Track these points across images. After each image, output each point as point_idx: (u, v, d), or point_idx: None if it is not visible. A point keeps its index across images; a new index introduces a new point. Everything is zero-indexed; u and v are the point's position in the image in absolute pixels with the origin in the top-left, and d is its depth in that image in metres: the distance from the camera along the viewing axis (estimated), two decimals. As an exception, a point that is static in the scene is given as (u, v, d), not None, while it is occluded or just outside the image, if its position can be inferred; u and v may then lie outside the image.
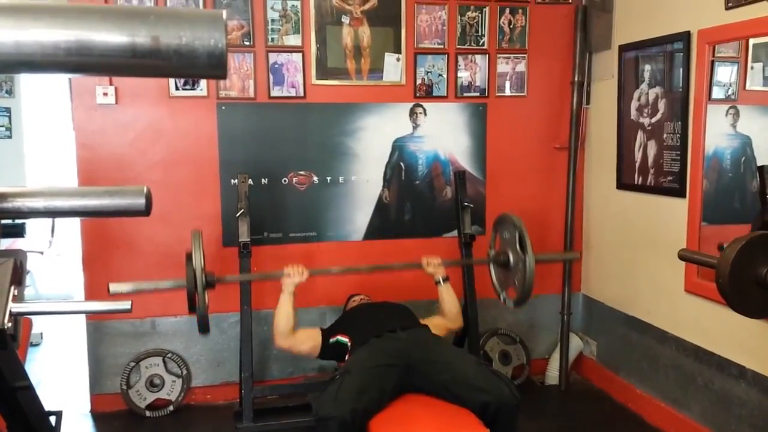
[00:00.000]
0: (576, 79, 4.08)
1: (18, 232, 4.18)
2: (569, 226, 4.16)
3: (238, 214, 3.44)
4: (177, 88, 3.71)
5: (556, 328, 4.24)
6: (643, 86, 3.65)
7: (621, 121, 3.85)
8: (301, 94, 3.82)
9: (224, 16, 0.89)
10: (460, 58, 4.00)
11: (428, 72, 3.97)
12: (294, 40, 3.78)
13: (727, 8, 3.00)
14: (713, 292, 2.02)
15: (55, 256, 6.03)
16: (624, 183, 3.86)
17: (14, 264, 1.61)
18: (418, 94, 3.97)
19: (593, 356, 4.26)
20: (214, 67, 0.88)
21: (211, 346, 3.91)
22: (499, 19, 4.02)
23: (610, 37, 3.94)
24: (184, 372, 3.85)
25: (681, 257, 2.24)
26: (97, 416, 3.82)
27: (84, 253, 3.76)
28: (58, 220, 5.56)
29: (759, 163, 3.16)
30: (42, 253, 5.55)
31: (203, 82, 3.73)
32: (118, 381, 3.77)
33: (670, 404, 3.54)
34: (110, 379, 3.82)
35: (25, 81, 5.97)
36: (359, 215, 3.99)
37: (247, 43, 3.73)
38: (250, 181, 3.67)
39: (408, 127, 3.99)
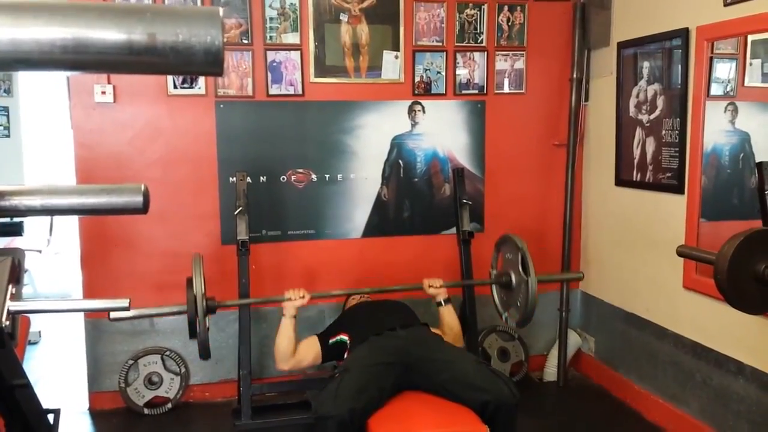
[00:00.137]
0: (574, 76, 4.08)
1: (16, 230, 4.18)
2: (568, 223, 4.17)
3: (236, 212, 3.44)
4: (175, 87, 3.70)
5: (555, 325, 4.25)
6: (642, 83, 3.65)
7: (620, 118, 3.85)
8: (300, 92, 3.82)
9: (221, 13, 0.89)
10: (458, 56, 4.00)
11: (427, 69, 3.96)
12: (292, 38, 3.78)
13: (726, 5, 3.00)
14: (712, 288, 2.02)
15: (53, 255, 6.04)
16: (622, 180, 3.86)
17: (12, 262, 1.61)
18: (416, 92, 3.96)
19: (591, 353, 4.26)
20: (211, 64, 0.88)
21: (210, 343, 3.90)
22: (498, 17, 4.02)
23: (608, 34, 3.94)
24: (183, 370, 3.85)
25: (679, 254, 2.24)
26: (96, 414, 3.82)
27: (82, 252, 3.75)
28: (57, 219, 5.57)
29: (757, 160, 3.16)
30: (40, 251, 5.56)
31: (201, 81, 3.72)
32: (117, 379, 3.78)
33: (669, 400, 3.55)
34: (108, 377, 3.81)
35: (24, 80, 5.96)
36: (358, 213, 3.99)
37: (246, 42, 3.72)
38: (249, 179, 3.66)
39: (407, 125, 3.99)
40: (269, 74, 3.78)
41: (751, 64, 3.23)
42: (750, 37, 3.12)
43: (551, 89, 4.16)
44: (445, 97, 4.01)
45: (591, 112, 4.17)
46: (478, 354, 3.78)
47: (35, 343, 5.02)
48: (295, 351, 3.18)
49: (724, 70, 3.29)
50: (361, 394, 2.63)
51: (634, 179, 3.74)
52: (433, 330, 3.32)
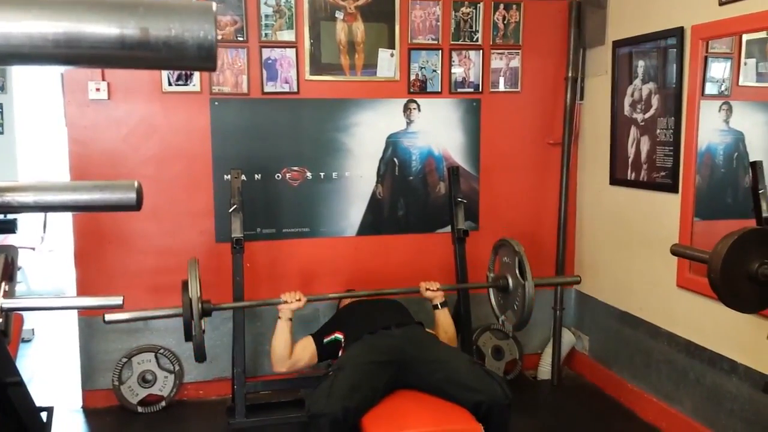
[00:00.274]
0: (570, 74, 4.08)
1: (9, 228, 4.16)
2: (562, 221, 4.17)
3: (231, 210, 3.44)
4: (170, 84, 3.69)
5: (549, 323, 4.25)
6: (637, 82, 3.66)
7: (614, 117, 3.85)
8: (295, 90, 3.81)
9: (214, 7, 0.88)
10: (454, 54, 3.99)
11: (422, 68, 3.96)
12: (287, 35, 3.77)
13: (721, 4, 3.00)
14: (705, 287, 2.03)
15: (47, 252, 6.01)
16: (617, 178, 3.87)
17: (5, 260, 1.61)
18: (412, 90, 3.96)
19: (585, 351, 4.27)
20: (204, 59, 0.87)
21: (205, 345, 3.89)
22: (493, 15, 4.02)
23: (603, 33, 3.94)
24: (177, 368, 3.84)
25: (673, 252, 2.25)
26: (89, 412, 3.81)
27: (76, 249, 3.74)
28: (50, 216, 5.55)
29: (751, 159, 3.16)
30: (34, 249, 5.55)
31: (196, 78, 3.71)
32: (110, 377, 3.77)
33: (662, 399, 3.56)
34: (102, 375, 3.80)
35: (18, 77, 5.94)
36: (353, 211, 3.98)
37: (241, 39, 3.72)
38: (243, 177, 3.65)
39: (402, 123, 3.98)
40: (264, 72, 3.77)
41: (745, 64, 3.24)
42: (745, 37, 3.13)
43: (546, 88, 4.16)
44: (441, 96, 4.01)
45: (586, 111, 4.18)
46: (472, 352, 3.78)
47: (28, 340, 5.01)
48: (291, 353, 3.17)
49: (718, 69, 3.29)
50: (355, 392, 2.63)
51: (629, 178, 3.75)
52: (428, 330, 3.32)
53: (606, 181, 3.95)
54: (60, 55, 0.85)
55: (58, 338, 4.99)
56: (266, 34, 3.75)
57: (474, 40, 4.01)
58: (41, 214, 5.35)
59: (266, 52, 3.76)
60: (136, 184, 1.46)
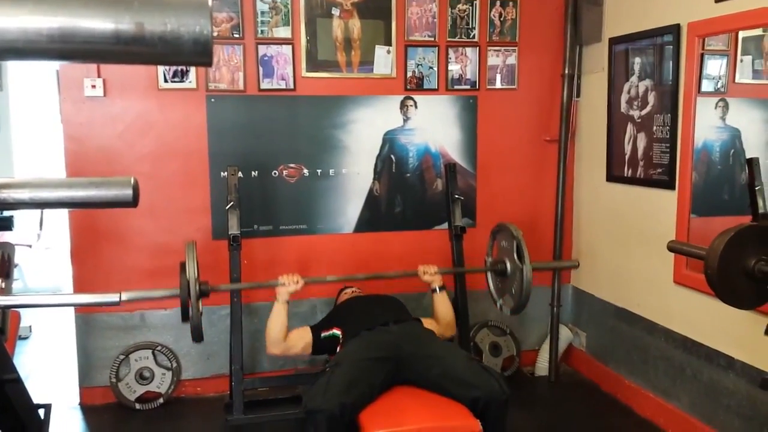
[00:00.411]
0: (566, 71, 4.08)
1: (6, 225, 4.16)
2: (559, 218, 4.17)
3: (227, 207, 3.44)
4: (166, 81, 3.68)
5: (546, 320, 4.26)
6: (633, 79, 3.66)
7: (611, 114, 3.85)
8: (291, 87, 3.81)
9: (210, 2, 0.88)
10: (450, 51, 3.99)
11: (419, 64, 3.96)
12: (284, 32, 3.77)
13: (717, 1, 3.00)
14: (702, 283, 2.03)
15: (43, 250, 6.01)
16: (614, 175, 3.87)
17: (2, 257, 1.61)
18: (408, 87, 3.96)
19: (583, 348, 4.28)
20: (199, 54, 0.87)
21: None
22: (490, 12, 4.01)
23: (600, 30, 3.94)
24: (174, 365, 3.84)
25: (670, 249, 2.26)
26: (87, 409, 3.81)
27: (72, 246, 3.73)
28: (47, 214, 5.54)
29: (748, 156, 3.17)
30: (30, 246, 5.54)
31: (192, 75, 3.70)
32: (108, 374, 3.76)
33: (660, 395, 3.57)
34: (99, 372, 3.80)
35: (13, 73, 5.92)
36: (350, 208, 3.98)
37: (237, 36, 3.71)
38: (240, 174, 3.65)
39: (399, 120, 3.98)
40: (260, 68, 3.76)
41: (741, 61, 3.24)
42: (741, 34, 3.13)
43: (543, 85, 4.16)
44: (437, 93, 4.01)
45: (582, 108, 4.18)
46: (469, 349, 3.79)
47: (26, 338, 5.00)
48: (286, 337, 3.19)
49: (715, 66, 3.30)
50: (352, 388, 2.63)
51: (626, 175, 3.75)
52: (426, 321, 3.33)
53: (603, 178, 3.96)
54: (54, 50, 0.85)
55: (56, 335, 4.99)
56: (262, 31, 3.74)
57: (470, 37, 4.01)
58: (37, 212, 5.34)
59: (262, 49, 3.75)
60: (132, 180, 1.46)
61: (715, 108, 3.29)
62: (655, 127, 3.49)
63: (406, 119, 3.99)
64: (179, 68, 3.66)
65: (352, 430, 2.62)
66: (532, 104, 4.17)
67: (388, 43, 3.90)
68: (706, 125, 3.25)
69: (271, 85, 3.79)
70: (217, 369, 3.91)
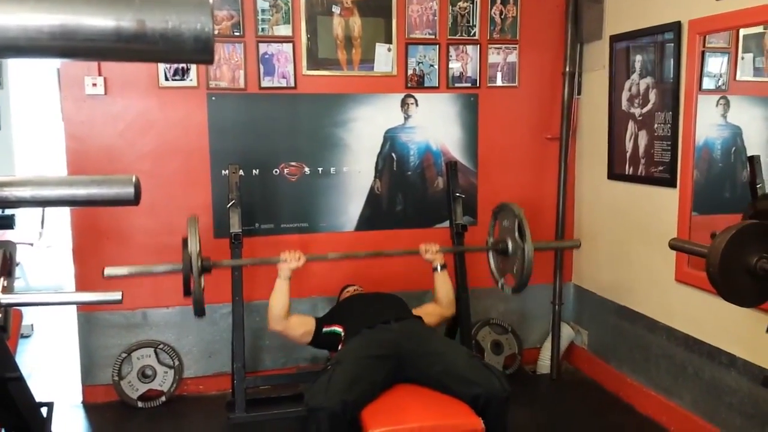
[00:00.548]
0: (567, 69, 4.08)
1: (8, 223, 4.16)
2: (561, 216, 4.17)
3: (229, 205, 3.44)
4: (167, 79, 3.68)
5: (548, 318, 4.26)
6: (634, 77, 3.66)
7: (612, 112, 3.85)
8: (292, 85, 3.81)
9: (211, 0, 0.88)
10: (451, 49, 3.99)
11: (419, 62, 3.96)
12: (284, 30, 3.76)
13: (718, -2, 3.00)
14: (704, 281, 2.03)
15: (45, 248, 6.01)
16: (615, 173, 3.87)
17: (3, 255, 1.61)
18: (409, 85, 3.96)
19: (584, 346, 4.28)
20: (200, 51, 0.87)
21: (203, 336, 3.91)
22: (491, 10, 4.01)
23: (601, 28, 3.94)
24: (176, 363, 3.84)
25: (672, 247, 2.25)
26: (89, 407, 3.82)
27: (74, 245, 3.74)
28: (48, 212, 5.54)
29: (749, 153, 3.17)
30: (32, 244, 5.54)
31: (193, 73, 3.70)
32: (110, 372, 3.77)
33: (661, 393, 3.56)
34: (102, 371, 3.81)
35: (14, 72, 5.92)
36: (351, 206, 3.98)
37: (237, 34, 3.71)
38: (241, 172, 3.65)
39: (399, 118, 3.98)
40: (261, 66, 3.76)
41: (742, 58, 3.24)
42: (742, 31, 3.13)
43: (544, 83, 4.16)
44: (438, 91, 4.00)
45: (583, 106, 4.18)
46: (471, 347, 3.79)
47: (28, 336, 5.01)
48: (288, 314, 3.22)
49: (716, 64, 3.29)
50: (353, 386, 2.63)
51: (627, 173, 3.75)
52: (426, 306, 3.40)
53: (604, 176, 3.95)
54: (56, 48, 0.85)
55: (58, 334, 5.00)
56: (263, 29, 3.74)
57: (471, 34, 4.01)
58: (39, 210, 5.34)
59: (263, 47, 3.75)
60: (134, 178, 1.46)
61: (716, 106, 3.29)
62: (656, 125, 3.48)
63: (406, 117, 3.99)
64: (180, 66, 3.66)
65: (354, 427, 2.63)
66: (533, 102, 4.16)
67: (389, 40, 3.89)
68: (708, 123, 3.25)
69: (272, 83, 3.78)
70: (219, 367, 3.92)
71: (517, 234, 3.12)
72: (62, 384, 4.06)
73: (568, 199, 4.23)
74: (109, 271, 2.77)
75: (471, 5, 3.97)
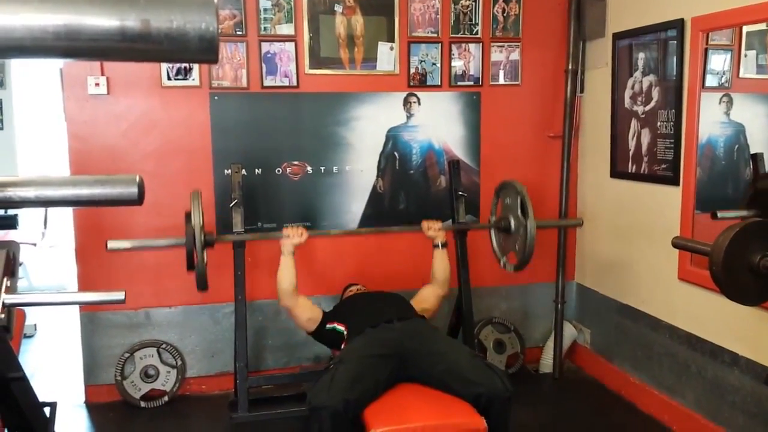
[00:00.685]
0: (570, 67, 4.07)
1: (11, 223, 4.17)
2: (563, 214, 4.16)
3: (231, 205, 3.44)
4: (169, 78, 3.68)
5: (550, 317, 4.25)
6: (637, 74, 3.65)
7: (615, 110, 3.84)
8: (295, 84, 3.81)
9: (215, -1, 0.88)
10: (453, 47, 3.98)
11: (422, 61, 3.95)
12: (287, 29, 3.76)
13: (721, -5, 3.00)
14: (707, 279, 2.03)
15: (48, 248, 6.02)
16: (618, 171, 3.86)
17: (7, 255, 1.61)
18: (411, 83, 3.95)
19: (587, 344, 4.27)
20: (205, 51, 0.87)
21: (206, 336, 3.91)
22: (493, 8, 4.00)
23: (603, 25, 3.93)
24: (179, 362, 3.84)
25: (675, 245, 2.25)
26: (92, 407, 3.82)
27: (77, 245, 3.74)
28: (51, 212, 5.55)
29: (752, 151, 3.16)
30: (35, 244, 5.55)
31: (196, 72, 3.70)
32: (113, 372, 3.77)
33: (664, 392, 3.56)
34: (105, 370, 3.81)
35: (17, 72, 5.93)
36: (354, 205, 3.98)
37: (240, 33, 3.71)
38: (244, 171, 3.65)
39: (402, 117, 3.98)
40: (264, 66, 3.76)
41: (745, 56, 3.23)
42: (745, 28, 3.12)
43: (546, 81, 4.15)
44: (441, 89, 4.00)
45: (586, 104, 4.17)
46: (474, 346, 3.79)
47: (31, 336, 5.01)
48: (297, 291, 3.29)
49: (719, 61, 3.29)
50: (356, 385, 2.63)
51: (630, 171, 3.74)
52: (424, 291, 3.46)
53: (607, 174, 3.95)
54: (60, 48, 0.85)
55: (60, 334, 5.00)
56: (265, 28, 3.74)
57: (474, 32, 4.00)
58: (42, 210, 5.35)
59: (265, 46, 3.75)
60: (137, 178, 1.47)
61: (720, 103, 3.28)
62: (659, 123, 3.48)
63: (409, 116, 3.98)
64: (183, 66, 3.66)
65: (357, 427, 2.62)
66: (536, 100, 4.16)
67: (391, 39, 3.89)
68: (711, 121, 3.24)
69: (275, 82, 3.78)
70: (221, 367, 3.92)
71: (519, 211, 3.13)
72: (65, 384, 4.06)
73: (571, 197, 4.22)
74: (112, 244, 2.80)
75: (473, 3, 3.96)
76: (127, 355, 3.78)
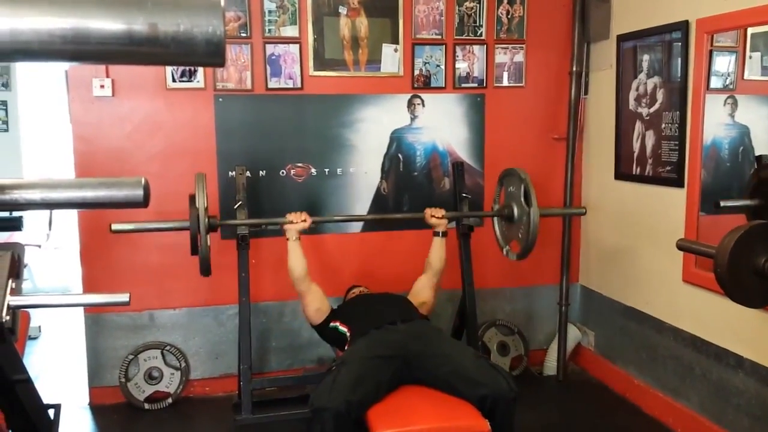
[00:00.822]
0: (574, 69, 4.07)
1: (15, 225, 4.17)
2: (567, 216, 4.16)
3: (236, 206, 3.44)
4: (174, 80, 3.69)
5: (555, 319, 4.25)
6: (642, 76, 3.65)
7: (619, 112, 3.84)
8: (299, 86, 3.81)
9: (222, 2, 0.88)
10: (458, 49, 3.98)
11: (426, 63, 3.95)
12: (291, 31, 3.77)
13: (726, -3, 2.99)
14: (711, 281, 2.02)
15: (52, 250, 6.03)
16: (622, 173, 3.85)
17: (12, 257, 1.61)
18: (416, 85, 3.96)
19: (591, 347, 4.26)
20: (212, 54, 0.87)
21: (210, 338, 3.91)
22: (497, 9, 4.00)
23: (608, 27, 3.93)
24: (183, 364, 3.85)
25: (679, 247, 2.24)
26: (96, 409, 3.82)
27: (82, 246, 3.75)
28: (56, 214, 5.56)
29: (757, 153, 3.16)
30: (40, 246, 5.56)
31: (200, 74, 3.71)
32: (117, 374, 3.77)
33: (668, 394, 3.55)
34: (109, 372, 3.81)
35: (22, 74, 5.95)
36: (358, 207, 3.98)
37: (244, 35, 3.71)
38: (248, 173, 3.66)
39: (406, 119, 3.98)
40: (268, 68, 3.76)
41: (750, 57, 3.23)
42: (750, 30, 3.12)
43: (550, 82, 4.15)
44: (445, 91, 4.00)
45: (590, 106, 4.17)
46: (477, 348, 3.78)
47: (35, 338, 5.02)
48: (309, 276, 3.31)
49: (723, 63, 3.28)
50: (358, 386, 2.62)
51: (634, 173, 3.74)
52: (418, 282, 3.45)
53: (611, 176, 3.94)
54: (68, 51, 0.85)
55: (65, 335, 5.00)
56: (270, 30, 3.74)
57: (478, 34, 4.00)
58: (47, 212, 5.36)
59: (270, 48, 3.76)
60: (143, 180, 1.47)
61: (724, 105, 3.27)
62: (663, 125, 3.47)
63: (413, 118, 3.98)
64: (187, 68, 3.67)
65: (360, 428, 2.62)
66: (540, 102, 4.16)
67: (396, 41, 3.89)
68: (715, 122, 3.23)
69: (279, 84, 3.79)
70: (225, 369, 3.92)
71: (522, 199, 3.13)
72: (69, 386, 4.06)
73: (575, 199, 4.22)
74: (116, 226, 2.81)
75: (477, 5, 3.96)
76: (131, 356, 3.78)
